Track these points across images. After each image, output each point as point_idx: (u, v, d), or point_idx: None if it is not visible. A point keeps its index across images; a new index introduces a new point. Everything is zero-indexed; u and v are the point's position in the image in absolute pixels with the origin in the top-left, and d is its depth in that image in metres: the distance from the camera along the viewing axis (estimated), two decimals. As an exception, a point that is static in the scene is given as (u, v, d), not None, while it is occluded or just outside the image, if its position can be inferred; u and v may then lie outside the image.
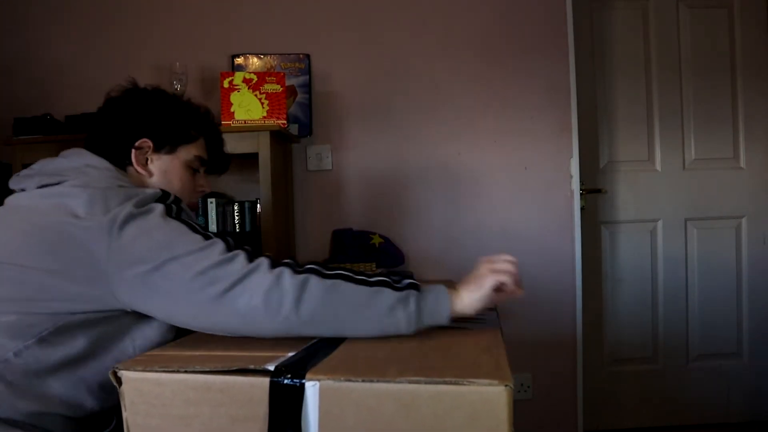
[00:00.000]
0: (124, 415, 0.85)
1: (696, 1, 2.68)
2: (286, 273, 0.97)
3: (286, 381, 0.80)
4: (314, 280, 0.98)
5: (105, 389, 1.05)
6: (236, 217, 2.33)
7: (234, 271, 0.97)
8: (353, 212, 2.52)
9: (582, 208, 2.53)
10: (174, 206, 1.09)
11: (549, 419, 2.53)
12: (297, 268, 1.00)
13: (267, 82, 2.17)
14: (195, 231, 1.04)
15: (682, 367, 2.71)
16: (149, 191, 1.10)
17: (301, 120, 2.46)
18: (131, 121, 1.23)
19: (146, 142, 1.23)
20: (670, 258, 2.70)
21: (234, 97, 2.15)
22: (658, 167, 2.70)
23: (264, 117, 2.16)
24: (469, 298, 1.05)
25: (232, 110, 2.14)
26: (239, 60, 2.46)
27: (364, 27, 2.51)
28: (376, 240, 2.43)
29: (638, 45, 2.69)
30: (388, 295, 1.00)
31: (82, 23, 2.52)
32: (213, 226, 2.30)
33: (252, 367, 0.83)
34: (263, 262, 0.99)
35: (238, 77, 2.16)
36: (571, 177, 2.50)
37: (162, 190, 1.12)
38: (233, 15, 2.51)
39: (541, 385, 2.53)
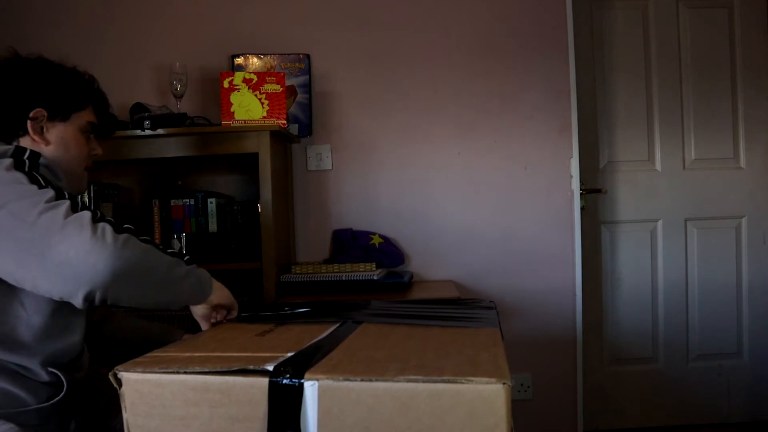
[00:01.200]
0: (125, 416, 0.85)
1: (696, 1, 2.69)
2: (108, 228, 0.99)
3: (285, 381, 0.80)
4: (133, 240, 1.02)
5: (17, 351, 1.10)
6: (236, 217, 2.33)
7: (57, 218, 0.97)
8: (353, 212, 2.52)
9: (582, 208, 2.53)
10: (28, 161, 1.12)
11: (549, 419, 2.53)
12: (117, 227, 1.02)
13: (267, 82, 2.17)
14: (33, 182, 1.05)
15: (682, 367, 2.72)
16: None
17: (301, 120, 2.46)
18: (23, 91, 1.23)
19: (41, 112, 1.23)
20: (670, 258, 2.70)
21: (234, 97, 2.15)
22: (658, 167, 2.70)
23: (264, 117, 2.16)
24: (222, 289, 1.29)
25: (232, 110, 2.14)
26: (239, 60, 2.46)
27: (364, 27, 2.52)
28: (376, 240, 2.44)
29: (638, 45, 2.69)
30: (182, 266, 1.16)
31: (82, 23, 2.52)
32: (213, 227, 2.30)
33: (251, 367, 0.83)
34: (86, 214, 0.99)
35: (238, 77, 2.16)
36: (571, 177, 2.50)
37: (16, 147, 1.14)
38: (233, 15, 2.51)
39: (541, 385, 2.53)
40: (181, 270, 1.15)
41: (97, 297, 0.97)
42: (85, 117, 1.31)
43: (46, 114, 1.24)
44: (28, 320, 1.10)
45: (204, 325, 1.28)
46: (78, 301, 0.96)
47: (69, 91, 1.29)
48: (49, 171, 1.18)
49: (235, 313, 1.33)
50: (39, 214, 0.97)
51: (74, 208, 1.01)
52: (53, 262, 0.94)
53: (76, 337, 1.20)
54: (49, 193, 1.02)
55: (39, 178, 1.07)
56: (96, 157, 1.37)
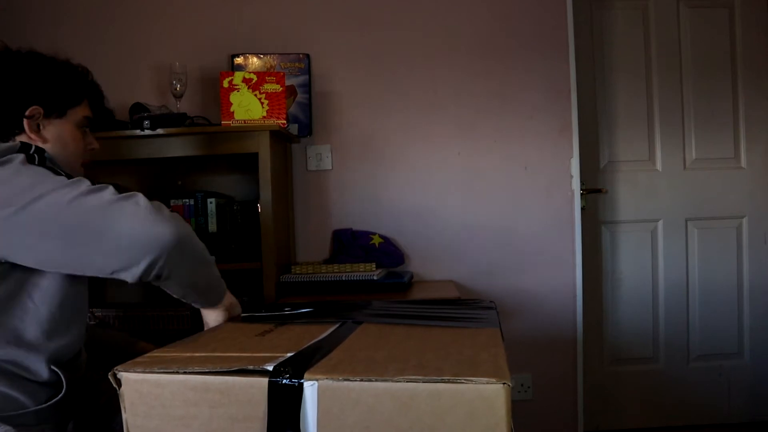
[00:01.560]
0: (124, 416, 0.85)
1: (696, 0, 2.68)
2: (162, 205, 1.05)
3: (284, 381, 0.80)
4: (182, 218, 1.07)
5: (23, 348, 1.10)
6: (236, 217, 2.33)
7: (107, 195, 1.01)
8: (353, 212, 2.52)
9: (582, 208, 2.53)
10: (36, 156, 1.13)
11: (549, 419, 2.53)
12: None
13: (267, 82, 2.17)
14: (58, 174, 1.08)
15: (683, 367, 2.71)
16: (3, 145, 1.11)
17: (301, 120, 2.46)
18: (19, 88, 1.22)
19: (37, 110, 1.22)
20: (671, 258, 2.70)
21: (234, 97, 2.15)
22: (659, 167, 2.70)
23: (264, 117, 2.16)
24: (231, 296, 1.30)
25: (231, 110, 2.14)
26: (239, 60, 2.46)
27: (364, 27, 2.51)
28: (376, 240, 2.43)
29: (638, 45, 2.69)
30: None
31: (82, 23, 2.52)
32: (213, 227, 2.30)
33: (251, 367, 0.83)
34: (137, 194, 1.04)
35: (238, 77, 2.16)
36: (572, 177, 2.50)
37: (21, 143, 1.15)
38: (233, 15, 2.51)
39: (541, 385, 2.53)
40: (210, 257, 1.19)
41: (158, 266, 1.01)
42: (80, 112, 1.30)
43: (42, 111, 1.22)
44: (36, 312, 1.10)
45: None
46: (137, 272, 1.00)
47: (64, 86, 1.27)
48: (55, 165, 1.18)
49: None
50: (84, 196, 1.00)
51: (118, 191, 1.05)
52: (115, 236, 0.98)
53: (78, 332, 1.20)
54: (85, 182, 1.05)
55: (60, 172, 1.09)
56: (93, 152, 1.36)
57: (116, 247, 0.99)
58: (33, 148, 1.15)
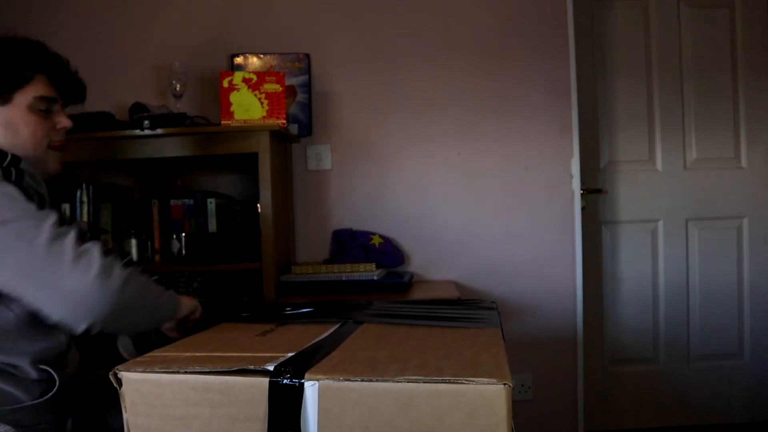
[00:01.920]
0: (125, 416, 0.85)
1: (696, 0, 2.68)
2: (116, 264, 1.04)
3: (285, 381, 0.80)
4: (135, 276, 1.07)
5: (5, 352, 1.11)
6: (236, 217, 2.33)
7: (67, 249, 1.00)
8: (353, 212, 2.52)
9: (582, 208, 2.53)
10: (13, 169, 1.11)
11: (549, 419, 2.53)
12: (122, 256, 1.09)
13: (267, 82, 2.17)
14: (29, 199, 1.06)
15: (683, 368, 2.71)
16: None
17: (300, 120, 2.46)
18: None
19: None
20: (671, 258, 2.70)
21: (233, 97, 2.15)
22: (659, 167, 2.70)
23: (264, 117, 2.15)
24: (183, 300, 1.29)
25: (231, 110, 2.14)
26: (239, 60, 2.46)
27: (364, 27, 2.51)
28: (376, 240, 2.43)
29: (639, 45, 2.69)
30: (164, 293, 1.21)
31: (82, 23, 2.52)
32: (213, 227, 2.30)
33: (251, 367, 0.83)
34: (95, 249, 1.03)
35: (238, 77, 2.15)
36: (572, 177, 2.50)
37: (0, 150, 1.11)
38: (233, 15, 2.51)
39: (541, 386, 2.53)
40: (163, 297, 1.20)
41: (95, 328, 1.02)
42: (32, 92, 1.18)
43: None
44: (16, 319, 1.10)
45: (174, 335, 1.31)
46: (77, 330, 1.02)
47: (3, 66, 1.16)
48: (29, 176, 1.18)
49: (198, 314, 1.35)
50: (49, 241, 1.00)
51: (82, 237, 1.03)
52: (63, 291, 0.99)
53: (62, 336, 1.20)
54: (51, 217, 1.03)
55: (33, 194, 1.08)
56: (64, 130, 1.26)
57: (62, 301, 0.99)
58: (8, 158, 1.12)
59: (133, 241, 2.28)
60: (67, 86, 1.26)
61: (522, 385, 2.52)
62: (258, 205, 2.18)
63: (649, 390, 2.70)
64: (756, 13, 2.68)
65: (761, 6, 2.69)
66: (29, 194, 1.07)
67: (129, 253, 2.23)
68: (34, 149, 1.19)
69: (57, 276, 0.98)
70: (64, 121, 1.25)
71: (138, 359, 0.90)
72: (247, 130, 2.11)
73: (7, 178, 1.08)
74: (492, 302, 1.42)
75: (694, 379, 2.70)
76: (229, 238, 2.30)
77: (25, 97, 1.17)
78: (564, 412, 2.53)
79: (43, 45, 1.24)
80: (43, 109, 1.20)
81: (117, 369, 0.85)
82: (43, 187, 1.25)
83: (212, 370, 0.83)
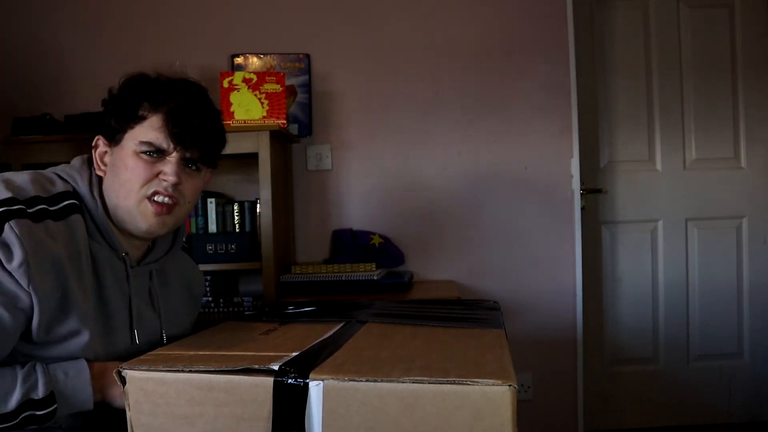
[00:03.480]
0: (128, 414, 0.85)
1: (696, 0, 2.69)
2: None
3: (289, 380, 0.80)
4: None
5: None
6: (236, 217, 2.33)
7: None
8: (353, 212, 2.52)
9: (582, 208, 2.53)
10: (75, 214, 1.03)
11: (549, 419, 2.53)
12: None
13: (267, 82, 2.17)
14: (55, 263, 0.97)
15: (683, 368, 2.71)
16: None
17: (301, 120, 2.46)
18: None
19: (99, 139, 1.12)
20: (671, 258, 2.70)
21: (234, 97, 2.15)
22: (659, 167, 2.70)
23: (264, 117, 2.15)
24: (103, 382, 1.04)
25: (231, 110, 2.14)
26: (239, 60, 2.45)
27: (365, 27, 2.51)
28: (376, 240, 2.43)
29: (638, 45, 2.69)
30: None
31: (82, 23, 2.51)
32: (213, 227, 2.30)
33: (256, 366, 0.82)
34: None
35: (238, 77, 2.15)
36: (572, 177, 2.50)
37: (11, 196, 0.98)
38: (233, 15, 2.51)
39: (541, 385, 2.53)
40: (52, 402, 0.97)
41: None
42: (138, 135, 1.08)
43: (105, 141, 1.12)
44: None
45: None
46: None
47: (117, 106, 1.11)
48: (101, 233, 1.11)
49: None
50: None
51: None
52: None
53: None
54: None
55: (74, 255, 1.02)
56: (167, 183, 1.09)
57: None
58: (16, 207, 0.99)
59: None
60: (180, 129, 1.07)
61: (522, 385, 2.52)
62: (258, 205, 2.18)
63: (649, 390, 2.70)
64: (756, 13, 2.69)
65: (761, 6, 2.69)
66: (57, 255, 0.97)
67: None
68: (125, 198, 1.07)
69: None
70: (169, 173, 1.07)
71: (142, 357, 0.90)
72: (247, 130, 2.11)
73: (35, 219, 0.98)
74: (495, 302, 1.42)
75: (694, 379, 2.71)
76: (230, 238, 2.29)
77: (131, 140, 1.07)
78: (564, 412, 2.53)
79: (171, 82, 1.13)
80: (148, 153, 1.07)
81: (121, 367, 0.85)
82: (119, 258, 1.12)
83: (216, 369, 0.83)
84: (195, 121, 1.08)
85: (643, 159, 2.70)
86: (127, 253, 1.12)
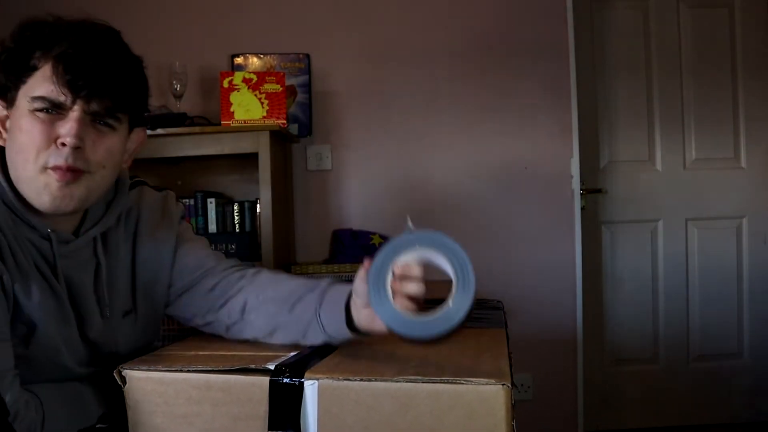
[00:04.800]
0: (128, 413, 0.86)
1: (696, 0, 2.68)
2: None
3: (285, 380, 0.81)
4: None
5: None
6: (236, 217, 2.34)
7: None
8: (353, 212, 2.52)
9: (582, 208, 2.53)
10: None
11: (549, 419, 2.53)
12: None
13: (267, 82, 2.17)
14: None
15: (683, 367, 2.71)
16: None
17: (301, 120, 2.47)
18: None
19: None
20: (671, 258, 2.70)
21: (234, 97, 2.15)
22: (659, 167, 2.70)
23: (264, 117, 2.16)
24: None
25: (231, 110, 2.15)
26: (239, 60, 2.46)
27: (364, 27, 2.52)
28: (376, 240, 2.43)
29: (638, 45, 2.69)
30: None
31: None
32: (213, 227, 2.30)
33: (253, 366, 0.83)
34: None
35: (238, 77, 2.16)
36: (572, 177, 2.50)
37: None
38: (233, 15, 2.51)
39: (541, 385, 2.53)
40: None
41: None
42: (33, 89, 0.87)
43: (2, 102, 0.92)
44: None
45: None
46: None
47: (4, 55, 0.93)
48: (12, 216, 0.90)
49: None
50: None
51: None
52: None
53: None
54: None
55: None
56: (65, 147, 0.86)
57: None
58: None
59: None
60: (73, 73, 0.86)
61: (522, 385, 2.52)
62: (258, 205, 2.19)
63: (649, 389, 2.70)
64: (756, 13, 2.68)
65: (761, 6, 2.69)
66: None
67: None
68: (23, 169, 0.88)
69: None
70: (66, 133, 0.86)
71: (142, 357, 0.91)
72: (247, 130, 2.12)
73: None
74: (498, 301, 1.42)
75: (693, 379, 2.70)
76: (229, 238, 2.30)
77: (24, 96, 0.88)
78: (564, 412, 2.53)
79: (59, 22, 0.95)
80: (44, 110, 0.87)
81: (121, 367, 0.86)
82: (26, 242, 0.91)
83: (214, 369, 0.84)
84: (94, 64, 0.87)
85: (643, 159, 2.70)
86: (53, 230, 0.92)
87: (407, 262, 0.84)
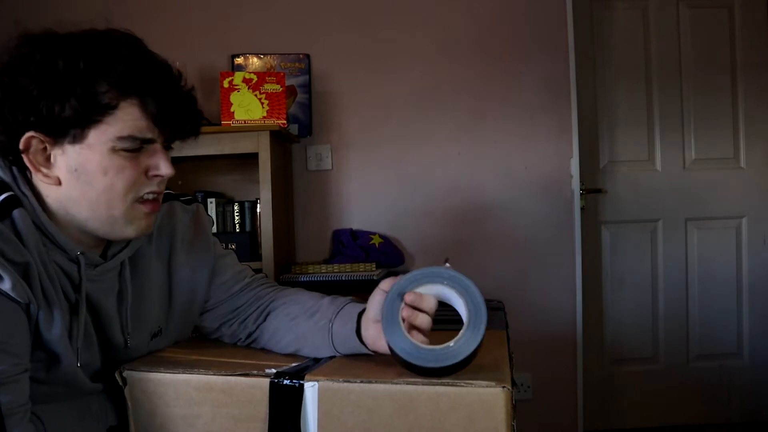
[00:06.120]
0: (129, 414, 0.86)
1: (696, 0, 2.68)
2: None
3: (285, 382, 0.81)
4: None
5: None
6: (236, 217, 2.34)
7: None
8: (353, 212, 2.52)
9: (582, 208, 2.53)
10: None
11: (549, 419, 2.53)
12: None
13: (267, 82, 2.17)
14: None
15: (683, 367, 2.71)
16: None
17: (301, 120, 2.47)
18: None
19: (34, 138, 0.83)
20: (671, 258, 2.70)
21: (234, 97, 2.15)
22: (659, 167, 2.70)
23: (264, 117, 2.16)
24: None
25: (231, 110, 2.15)
26: (239, 60, 2.46)
27: (364, 27, 2.52)
28: (376, 240, 2.44)
29: (638, 45, 2.69)
30: None
31: (81, 23, 2.52)
32: (213, 227, 2.30)
33: (255, 372, 0.83)
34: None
35: (238, 77, 2.16)
36: (572, 177, 2.50)
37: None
38: (233, 15, 2.51)
39: (541, 385, 2.54)
40: None
41: None
42: (115, 128, 0.84)
43: (45, 138, 0.84)
44: None
45: None
46: None
47: (73, 91, 0.85)
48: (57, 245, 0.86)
49: None
50: None
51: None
52: None
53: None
54: None
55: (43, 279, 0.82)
56: (161, 179, 0.92)
57: None
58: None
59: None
60: (166, 115, 0.88)
61: (522, 385, 2.52)
62: (258, 205, 2.19)
63: (649, 389, 2.70)
64: (756, 13, 2.68)
65: (761, 6, 2.69)
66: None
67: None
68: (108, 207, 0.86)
69: None
70: (162, 167, 0.89)
71: (143, 359, 0.91)
72: (247, 130, 2.12)
73: None
74: (499, 302, 1.42)
75: (693, 379, 2.71)
76: (229, 238, 2.30)
77: (102, 135, 0.84)
78: (564, 411, 2.53)
79: (140, 50, 0.94)
80: (130, 149, 0.86)
81: (122, 368, 0.86)
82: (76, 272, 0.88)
83: (216, 373, 0.84)
84: (176, 97, 0.91)
85: (643, 159, 2.70)
86: (82, 252, 0.88)
87: (422, 293, 0.86)
